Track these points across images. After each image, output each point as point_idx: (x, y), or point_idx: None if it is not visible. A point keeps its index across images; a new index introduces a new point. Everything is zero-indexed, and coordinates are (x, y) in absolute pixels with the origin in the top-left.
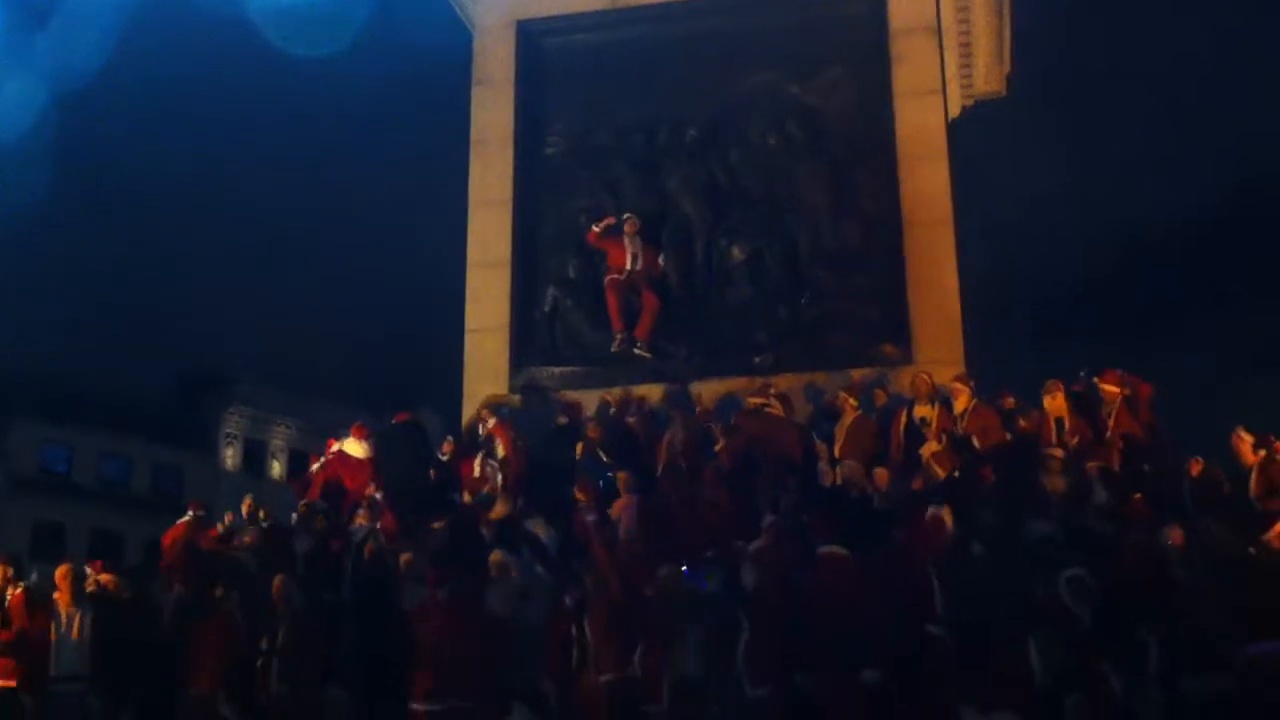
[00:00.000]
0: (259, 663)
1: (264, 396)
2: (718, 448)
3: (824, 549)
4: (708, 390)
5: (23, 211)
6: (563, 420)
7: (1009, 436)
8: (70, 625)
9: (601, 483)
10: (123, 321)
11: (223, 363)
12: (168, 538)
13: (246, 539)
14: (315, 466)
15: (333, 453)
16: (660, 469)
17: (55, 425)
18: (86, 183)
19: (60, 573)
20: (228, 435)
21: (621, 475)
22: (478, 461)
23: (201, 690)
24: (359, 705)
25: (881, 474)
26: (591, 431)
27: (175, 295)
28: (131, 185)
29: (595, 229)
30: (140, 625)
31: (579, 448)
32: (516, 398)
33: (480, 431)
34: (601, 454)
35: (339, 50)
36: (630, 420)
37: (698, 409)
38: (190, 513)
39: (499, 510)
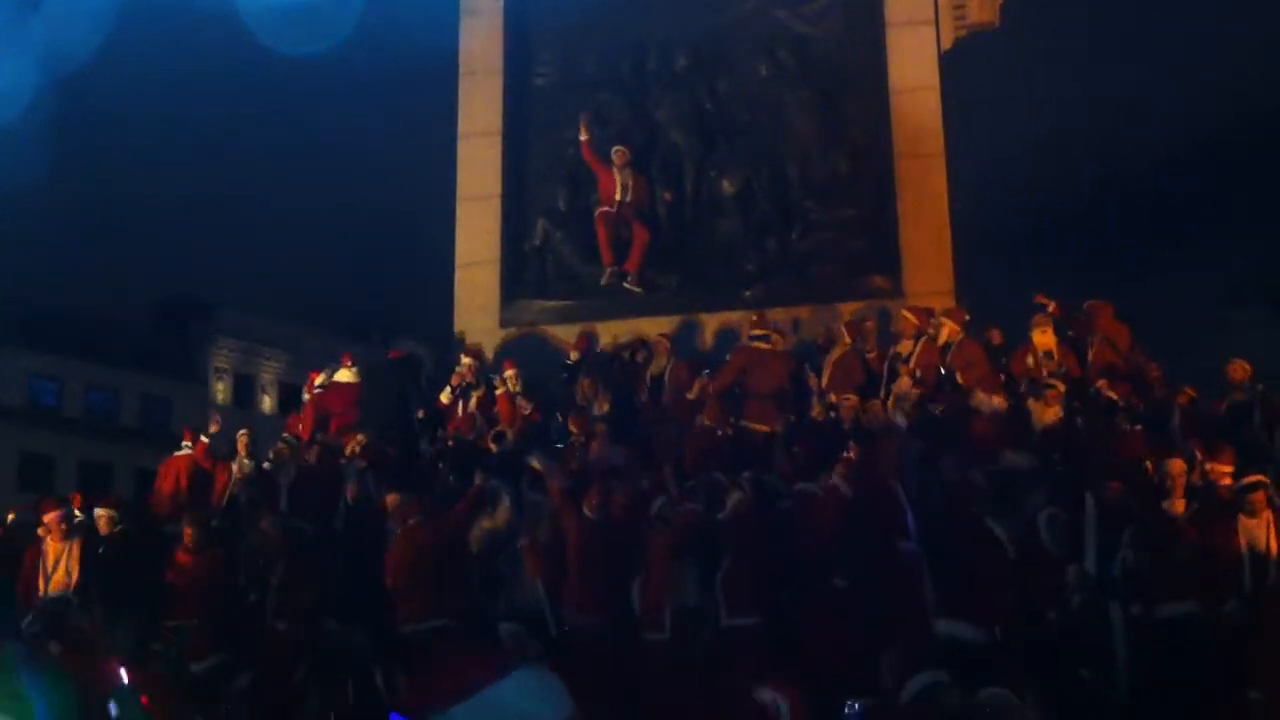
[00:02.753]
0: (253, 598)
1: (253, 329)
2: (701, 383)
3: (800, 486)
4: (699, 324)
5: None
6: (574, 356)
7: (993, 369)
8: (58, 564)
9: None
10: (110, 253)
11: (211, 294)
12: (168, 470)
13: (238, 474)
14: (305, 399)
15: (317, 386)
16: (646, 401)
17: (43, 357)
18: (67, 119)
19: (50, 517)
20: (217, 369)
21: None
22: (474, 399)
23: (192, 623)
24: (351, 636)
25: (875, 406)
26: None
27: (163, 227)
28: (112, 118)
29: (582, 138)
30: (134, 559)
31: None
32: (506, 332)
33: (463, 371)
34: (581, 390)
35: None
36: (624, 354)
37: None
38: (186, 444)
39: (505, 443)
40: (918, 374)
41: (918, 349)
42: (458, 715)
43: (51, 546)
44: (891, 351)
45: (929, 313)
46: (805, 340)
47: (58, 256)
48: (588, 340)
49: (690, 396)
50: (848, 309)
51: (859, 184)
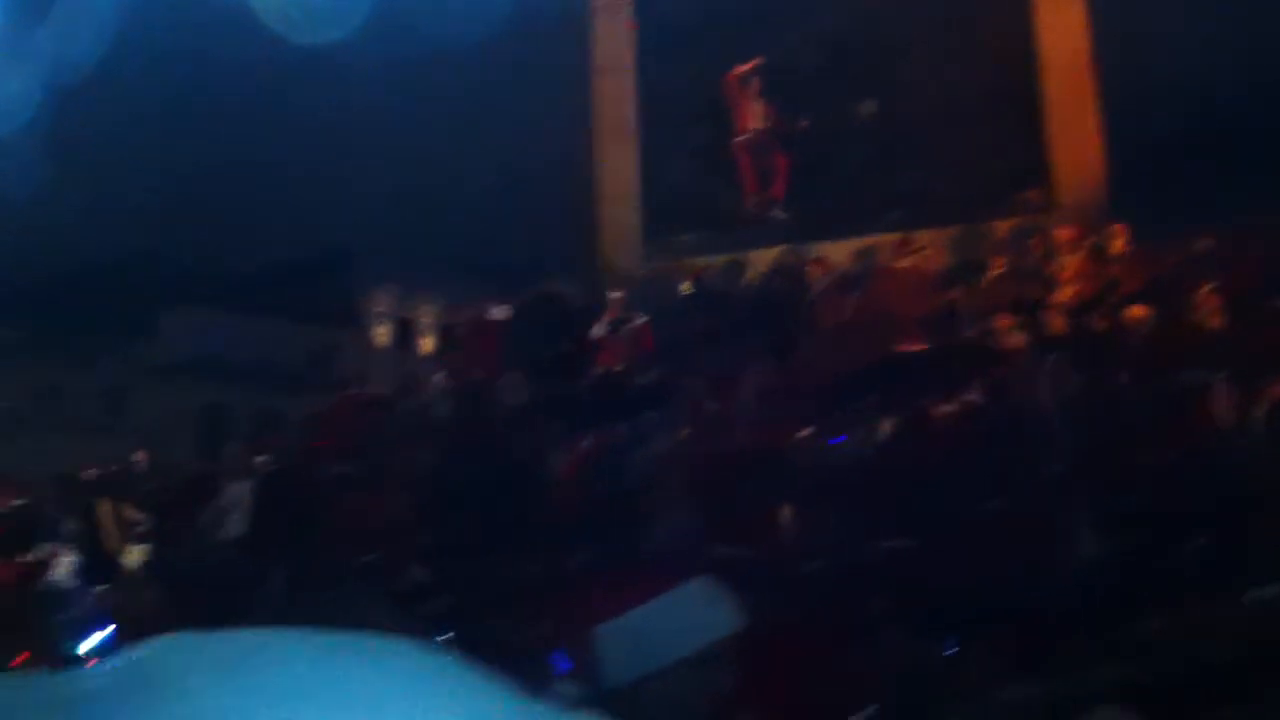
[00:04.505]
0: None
1: (410, 274)
2: (849, 306)
3: (942, 405)
4: (843, 249)
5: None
6: (691, 288)
7: (1159, 279)
8: (230, 500)
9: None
10: (267, 205)
11: (367, 241)
12: (331, 411)
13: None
14: (457, 336)
15: (467, 324)
16: (802, 333)
17: (209, 308)
18: (203, 73)
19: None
20: (376, 313)
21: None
22: (616, 334)
23: (371, 558)
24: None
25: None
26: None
27: (318, 176)
28: (257, 72)
29: (735, 73)
30: (298, 497)
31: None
32: (653, 265)
33: (612, 305)
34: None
35: None
36: (769, 285)
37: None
38: (351, 387)
39: (641, 377)
40: (1075, 289)
41: (1075, 263)
42: (626, 625)
43: (231, 489)
44: (1047, 268)
45: (1089, 225)
46: (957, 260)
47: (218, 212)
48: (707, 275)
49: (840, 321)
50: (999, 227)
51: (1005, 98)
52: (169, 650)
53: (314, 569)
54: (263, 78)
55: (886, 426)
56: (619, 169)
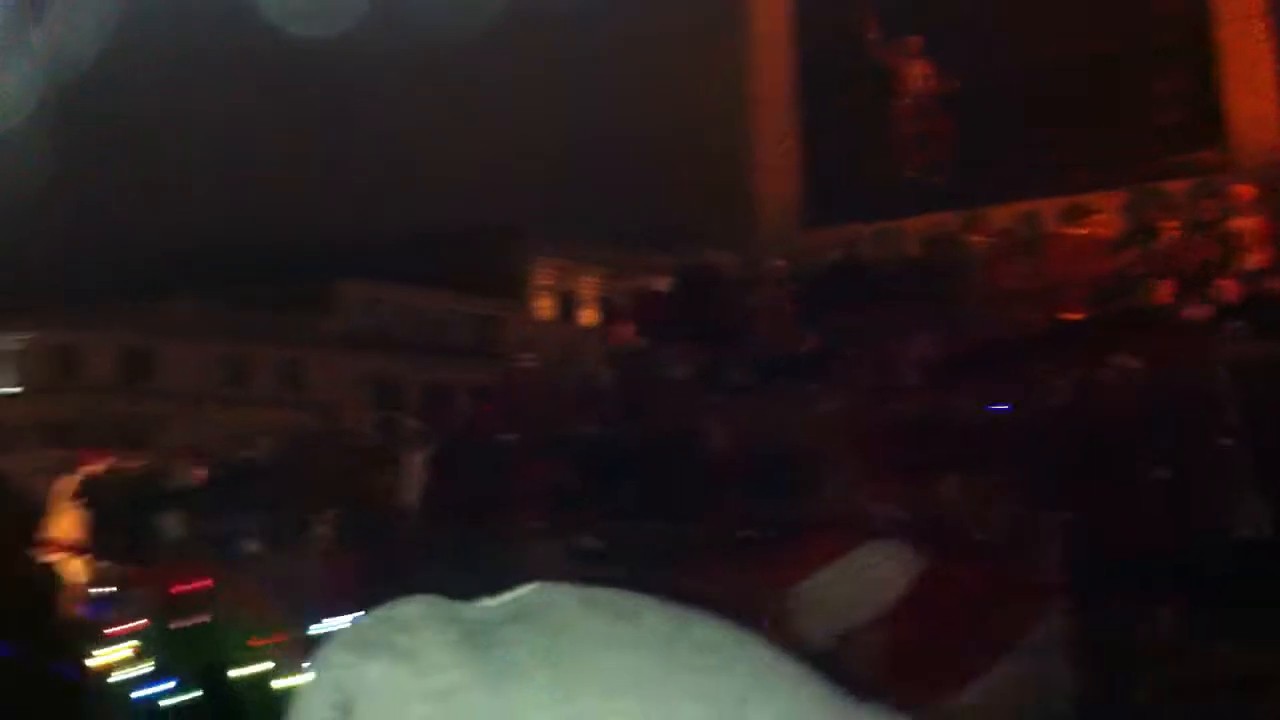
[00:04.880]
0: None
1: (571, 246)
2: (1016, 273)
3: (1102, 370)
4: (1007, 214)
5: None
6: (837, 255)
7: None
8: (406, 469)
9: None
10: (431, 180)
11: (529, 214)
12: (499, 381)
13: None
14: (621, 306)
15: (633, 292)
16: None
17: (379, 284)
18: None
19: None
20: (539, 285)
21: None
22: (775, 302)
23: (538, 525)
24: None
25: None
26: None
27: (477, 151)
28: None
29: (870, 36)
30: (470, 466)
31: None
32: (811, 233)
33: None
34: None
35: None
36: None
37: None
38: (525, 358)
39: (800, 345)
40: (1253, 252)
41: (1253, 225)
42: (813, 587)
43: (408, 460)
44: (1224, 230)
45: (1268, 184)
46: (1130, 224)
47: (383, 187)
48: (866, 242)
49: (1007, 287)
50: (1173, 188)
51: (1177, 54)
52: (548, 593)
53: (488, 535)
54: (418, 50)
55: (1055, 394)
56: (776, 135)
